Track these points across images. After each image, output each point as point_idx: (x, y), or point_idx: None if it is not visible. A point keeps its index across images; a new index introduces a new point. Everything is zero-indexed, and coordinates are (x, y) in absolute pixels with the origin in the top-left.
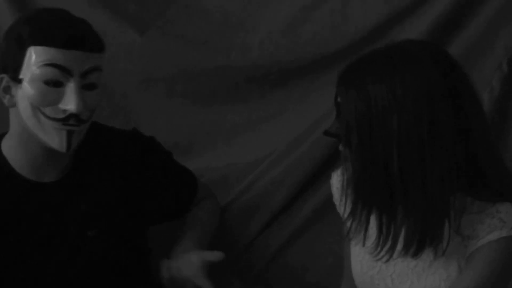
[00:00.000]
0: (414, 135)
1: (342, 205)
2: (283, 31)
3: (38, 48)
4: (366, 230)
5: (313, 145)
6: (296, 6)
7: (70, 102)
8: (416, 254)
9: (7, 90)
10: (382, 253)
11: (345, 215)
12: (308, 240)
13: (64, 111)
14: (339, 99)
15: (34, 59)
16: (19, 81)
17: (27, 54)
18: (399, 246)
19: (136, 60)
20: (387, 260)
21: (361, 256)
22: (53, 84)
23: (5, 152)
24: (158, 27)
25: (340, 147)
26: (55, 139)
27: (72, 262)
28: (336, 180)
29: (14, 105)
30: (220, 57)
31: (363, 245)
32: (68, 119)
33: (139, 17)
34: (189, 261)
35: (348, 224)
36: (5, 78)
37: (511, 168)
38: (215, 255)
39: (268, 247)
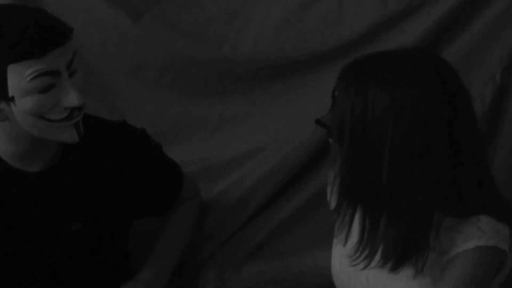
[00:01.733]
0: (407, 146)
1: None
2: (277, 27)
3: (19, 64)
4: (349, 230)
5: (301, 143)
6: (292, 3)
7: (70, 99)
8: (395, 269)
9: None
10: (360, 259)
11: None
12: (290, 237)
13: (67, 108)
14: (336, 93)
15: (20, 75)
16: (11, 99)
17: (9, 73)
18: (378, 256)
19: (127, 46)
20: (363, 268)
21: (341, 252)
22: (47, 90)
23: None
24: (152, 15)
25: (330, 139)
26: (65, 135)
27: (54, 255)
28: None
29: (5, 119)
30: (212, 50)
31: (344, 245)
32: (72, 114)
33: (134, 4)
34: None
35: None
36: None
37: (499, 180)
38: None
39: (249, 242)
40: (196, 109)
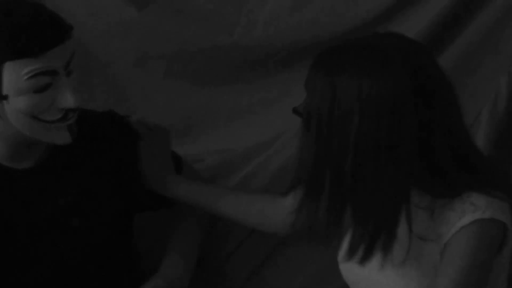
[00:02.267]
0: (373, 135)
1: None
2: (289, 9)
3: (16, 62)
4: (314, 221)
5: None
6: None
7: (66, 100)
8: (363, 261)
9: None
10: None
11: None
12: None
13: (61, 109)
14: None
15: (17, 73)
16: (4, 97)
17: (5, 71)
18: (343, 250)
19: (133, 36)
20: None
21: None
22: (43, 89)
23: None
24: (157, 2)
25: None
26: (58, 137)
27: (56, 252)
28: None
29: None
30: (222, 36)
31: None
32: (66, 116)
33: None
34: None
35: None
36: None
37: None
38: None
39: (266, 241)
40: (208, 99)
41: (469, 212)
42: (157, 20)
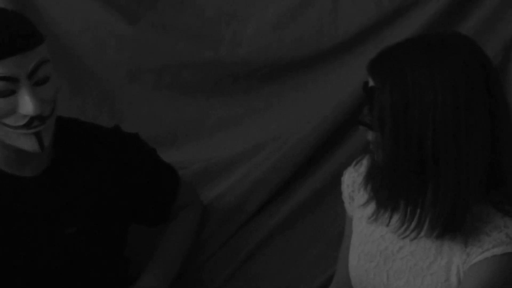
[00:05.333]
0: (451, 117)
1: (358, 197)
2: (273, 27)
3: None
4: (392, 211)
5: (298, 142)
6: (286, 2)
7: (27, 107)
8: (440, 236)
9: None
10: (408, 231)
11: (368, 201)
12: (287, 240)
13: (24, 116)
14: (372, 84)
15: None
16: None
17: None
18: (426, 225)
19: (125, 50)
20: (414, 238)
21: (360, 249)
22: (4, 95)
23: None
24: (149, 18)
25: (369, 136)
26: (25, 143)
27: (49, 260)
28: (348, 177)
29: None
30: (208, 51)
31: (387, 225)
32: (31, 123)
33: (130, 7)
34: None
35: (371, 208)
36: None
37: None
38: None
39: (246, 245)
40: (194, 111)
41: (503, 244)
42: (148, 35)
